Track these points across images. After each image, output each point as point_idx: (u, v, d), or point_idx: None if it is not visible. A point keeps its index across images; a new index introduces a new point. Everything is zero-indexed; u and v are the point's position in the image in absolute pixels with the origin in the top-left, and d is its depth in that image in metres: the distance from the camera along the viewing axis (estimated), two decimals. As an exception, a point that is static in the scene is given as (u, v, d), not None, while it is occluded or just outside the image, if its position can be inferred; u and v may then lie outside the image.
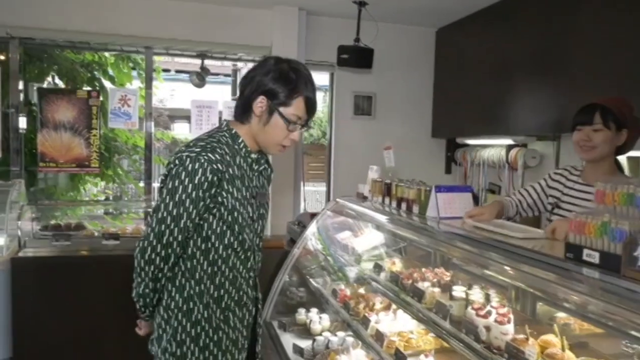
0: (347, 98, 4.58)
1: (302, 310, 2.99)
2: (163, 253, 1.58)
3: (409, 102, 4.70)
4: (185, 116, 10.23)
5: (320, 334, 2.72)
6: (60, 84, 4.79)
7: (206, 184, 1.56)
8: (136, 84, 5.18)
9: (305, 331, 2.84)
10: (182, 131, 9.76)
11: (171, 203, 1.56)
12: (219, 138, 1.67)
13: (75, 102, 4.05)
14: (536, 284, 1.53)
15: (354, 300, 2.48)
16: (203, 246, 1.64)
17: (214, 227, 1.63)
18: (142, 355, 3.25)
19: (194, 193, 1.55)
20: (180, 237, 1.58)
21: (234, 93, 5.05)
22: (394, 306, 2.44)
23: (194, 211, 1.57)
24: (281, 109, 1.65)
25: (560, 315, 1.73)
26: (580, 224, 1.41)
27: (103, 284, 3.27)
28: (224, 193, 1.61)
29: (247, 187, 1.69)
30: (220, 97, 4.52)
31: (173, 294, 1.67)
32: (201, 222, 1.62)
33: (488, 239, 1.77)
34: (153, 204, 4.42)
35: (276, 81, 1.64)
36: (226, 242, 1.65)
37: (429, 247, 2.50)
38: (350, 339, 2.57)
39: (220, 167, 1.58)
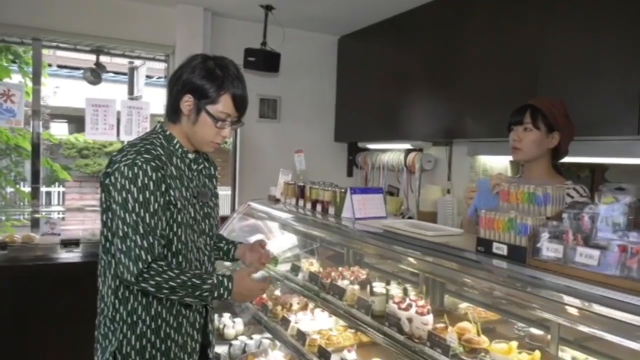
0: (252, 101, 4.49)
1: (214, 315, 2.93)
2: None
3: (313, 106, 4.82)
4: (65, 115, 9.49)
5: (235, 338, 2.70)
6: None
7: (152, 183, 1.54)
8: (16, 79, 4.72)
9: (218, 336, 2.79)
10: (60, 132, 9.06)
11: (127, 214, 1.52)
12: (152, 140, 1.64)
13: (-54, 96, 3.59)
14: (452, 276, 1.67)
15: (271, 302, 2.49)
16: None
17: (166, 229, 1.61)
18: None
19: (140, 196, 1.52)
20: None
21: (130, 92, 4.79)
22: (310, 305, 2.51)
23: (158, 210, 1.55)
24: (208, 107, 1.63)
25: (470, 304, 1.91)
26: (489, 220, 1.57)
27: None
28: (171, 191, 1.59)
29: (187, 188, 1.67)
30: (117, 96, 4.24)
31: (117, 306, 1.61)
32: None
33: (406, 237, 1.89)
34: (42, 209, 4.06)
35: (202, 79, 1.62)
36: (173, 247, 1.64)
37: (344, 247, 2.60)
38: (266, 341, 2.58)
39: (159, 164, 1.57)
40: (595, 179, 3.05)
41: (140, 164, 1.53)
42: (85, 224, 4.96)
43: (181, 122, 1.68)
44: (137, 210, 1.51)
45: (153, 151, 1.59)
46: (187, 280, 1.54)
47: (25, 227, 4.29)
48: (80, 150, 8.29)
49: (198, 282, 1.56)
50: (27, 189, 5.56)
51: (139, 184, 1.52)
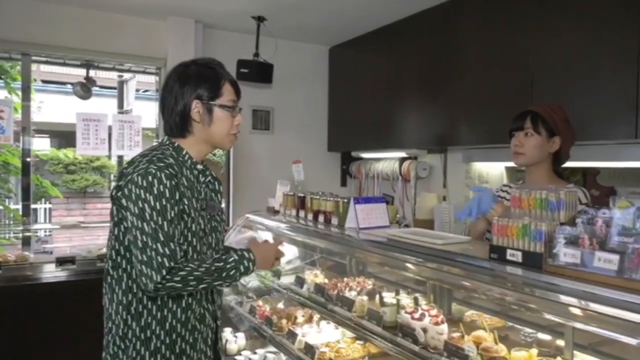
0: (246, 112, 4.55)
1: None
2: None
3: (305, 117, 4.81)
4: (48, 130, 9.34)
5: (238, 353, 2.65)
6: None
7: (167, 191, 1.51)
8: (2, 94, 4.63)
9: (220, 352, 2.74)
10: (42, 147, 8.90)
11: (145, 224, 1.48)
12: (163, 151, 1.63)
13: None
14: (466, 284, 1.65)
15: (276, 316, 2.46)
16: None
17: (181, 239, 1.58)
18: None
19: (157, 204, 1.50)
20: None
21: (120, 106, 4.73)
22: (315, 318, 2.47)
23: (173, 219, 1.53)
24: (217, 101, 1.67)
25: (475, 312, 1.89)
26: (502, 227, 1.56)
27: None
28: (185, 200, 1.57)
29: (197, 199, 1.65)
30: (104, 110, 4.18)
31: (129, 322, 1.55)
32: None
33: (415, 246, 1.87)
34: (34, 227, 3.97)
35: (198, 83, 1.65)
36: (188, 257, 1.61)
37: (348, 258, 2.57)
38: (271, 356, 2.54)
39: (173, 172, 1.55)
40: (587, 183, 3.08)
41: (154, 172, 1.51)
42: (72, 241, 4.85)
43: (193, 132, 1.68)
44: (154, 218, 1.48)
45: (165, 160, 1.58)
46: (209, 267, 1.53)
47: (13, 246, 4.19)
48: (66, 166, 8.14)
49: (220, 264, 1.56)
50: (14, 206, 5.44)
51: (155, 192, 1.49)
